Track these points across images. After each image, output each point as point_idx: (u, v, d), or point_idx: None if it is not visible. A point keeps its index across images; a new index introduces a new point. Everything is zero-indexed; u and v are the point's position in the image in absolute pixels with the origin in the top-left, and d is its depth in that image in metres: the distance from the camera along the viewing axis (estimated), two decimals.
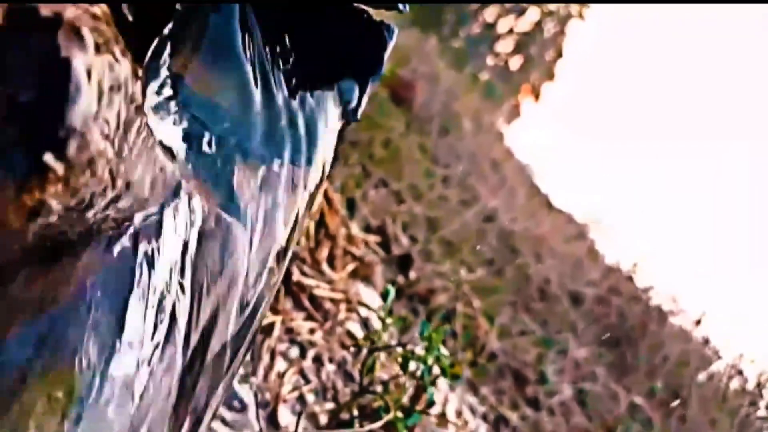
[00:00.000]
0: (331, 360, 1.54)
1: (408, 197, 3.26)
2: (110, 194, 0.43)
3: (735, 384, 3.28)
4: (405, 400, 1.31)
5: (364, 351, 1.34)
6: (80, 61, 0.35)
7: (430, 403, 1.25)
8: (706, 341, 3.56)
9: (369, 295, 2.17)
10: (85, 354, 0.57)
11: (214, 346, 0.60)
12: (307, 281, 1.69)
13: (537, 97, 15.51)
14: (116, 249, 0.52)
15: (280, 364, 1.36)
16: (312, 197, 0.74)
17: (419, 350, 1.30)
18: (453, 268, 2.83)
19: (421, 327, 1.24)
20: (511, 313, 2.97)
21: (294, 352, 1.46)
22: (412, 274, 2.61)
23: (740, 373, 3.29)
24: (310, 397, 1.37)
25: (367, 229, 2.61)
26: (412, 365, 1.33)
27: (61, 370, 0.58)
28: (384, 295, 1.40)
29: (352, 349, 1.47)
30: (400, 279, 2.55)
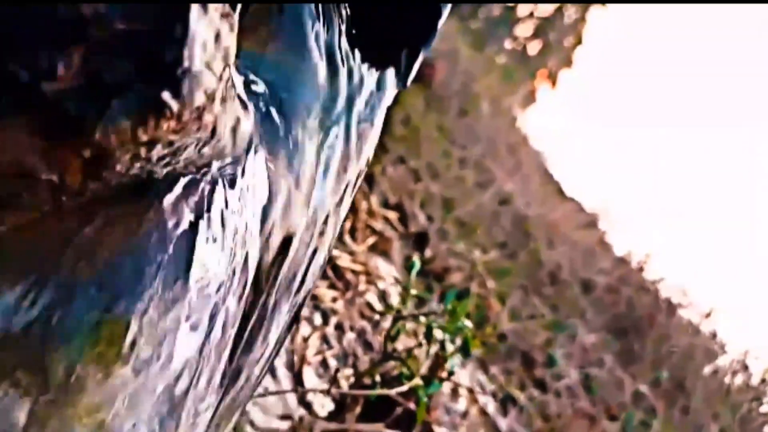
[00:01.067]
0: (351, 328, 1.57)
1: (425, 176, 3.27)
2: (204, 139, 0.44)
3: (739, 379, 3.30)
4: (423, 369, 1.33)
5: (389, 319, 1.36)
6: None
7: (450, 373, 1.28)
8: (713, 335, 3.58)
9: (387, 270, 2.19)
10: (153, 297, 0.59)
11: (274, 299, 0.62)
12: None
13: (554, 83, 15.38)
14: (193, 195, 0.54)
15: (305, 329, 1.39)
16: (367, 162, 0.75)
17: (441, 321, 1.32)
18: (467, 249, 2.85)
19: (446, 298, 1.26)
20: (522, 296, 2.99)
21: (317, 318, 1.48)
22: (428, 252, 2.63)
23: (745, 368, 3.32)
24: (333, 362, 1.40)
25: (386, 204, 2.63)
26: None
27: (127, 314, 0.60)
28: (409, 268, 1.42)
29: (376, 317, 1.49)
30: (416, 256, 2.57)
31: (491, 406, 2.16)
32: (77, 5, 0.35)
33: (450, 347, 1.20)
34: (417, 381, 1.16)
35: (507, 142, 4.71)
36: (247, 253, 0.60)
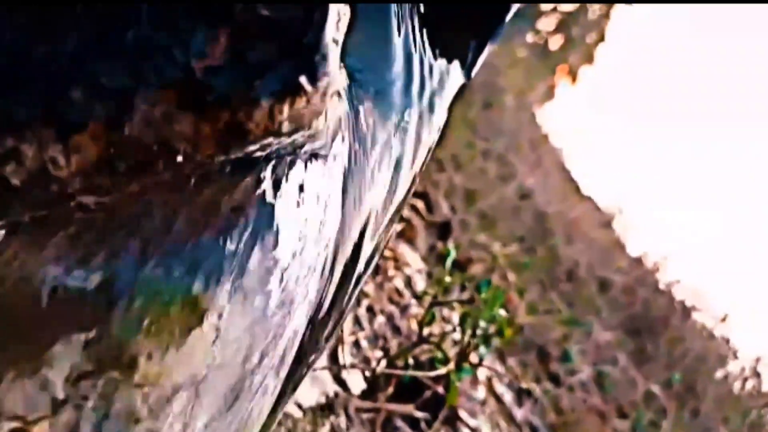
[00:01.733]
0: (381, 312, 1.60)
1: (449, 166, 3.29)
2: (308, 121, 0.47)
3: (750, 385, 3.32)
4: (452, 354, 1.37)
5: (415, 305, 1.39)
6: None
7: (481, 360, 1.31)
8: (727, 341, 3.59)
9: (412, 257, 2.22)
10: (241, 274, 0.62)
11: (348, 276, 0.65)
12: None
13: (574, 79, 15.27)
14: (285, 174, 0.57)
15: None
16: (430, 150, 0.78)
17: (472, 309, 1.35)
18: (488, 241, 2.87)
19: (480, 288, 1.29)
20: (539, 291, 3.02)
21: None
22: (450, 242, 2.65)
23: (757, 375, 3.33)
24: (364, 343, 1.43)
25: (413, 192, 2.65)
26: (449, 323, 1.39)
27: (215, 288, 0.64)
28: (445, 256, 1.45)
29: (404, 301, 1.53)
30: (440, 245, 2.60)
31: (508, 396, 2.20)
32: None
33: (487, 334, 1.23)
34: (450, 366, 1.19)
35: (529, 137, 4.71)
36: (329, 233, 0.63)
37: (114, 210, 0.56)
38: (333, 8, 0.40)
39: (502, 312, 1.23)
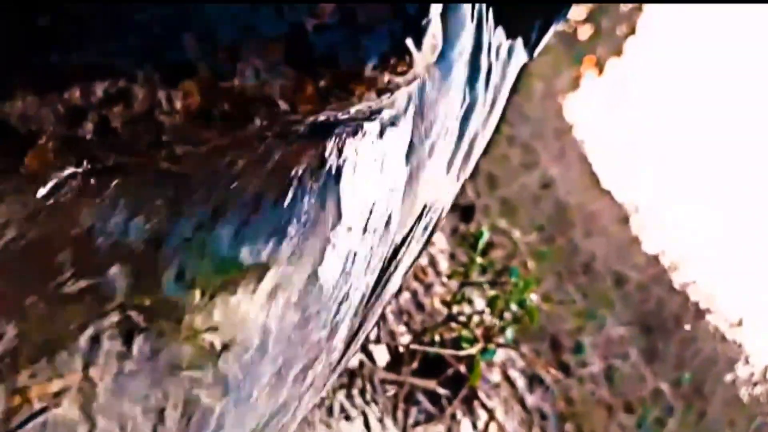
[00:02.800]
0: (407, 288, 1.61)
1: None
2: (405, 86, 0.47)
3: (759, 391, 3.32)
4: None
5: (437, 283, 1.40)
6: None
7: (507, 341, 1.32)
8: (739, 345, 3.59)
9: (436, 237, 2.23)
10: (303, 240, 0.63)
11: (411, 242, 0.66)
12: None
13: (601, 71, 15.05)
14: (357, 140, 0.57)
15: None
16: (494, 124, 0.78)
17: (495, 292, 1.36)
18: (509, 227, 2.87)
19: (512, 271, 1.30)
20: (556, 281, 3.02)
21: None
22: (472, 226, 2.65)
23: (766, 380, 3.33)
24: (390, 317, 1.44)
25: None
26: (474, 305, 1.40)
27: (274, 256, 0.64)
28: (477, 237, 1.45)
29: (428, 279, 1.53)
30: (462, 227, 2.60)
31: (521, 382, 2.21)
32: None
33: (516, 316, 1.24)
34: (479, 346, 1.20)
35: (554, 126, 4.67)
36: (393, 202, 0.63)
37: (194, 165, 0.57)
38: None
39: (534, 297, 1.23)
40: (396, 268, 0.72)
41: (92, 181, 0.55)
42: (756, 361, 3.45)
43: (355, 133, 0.58)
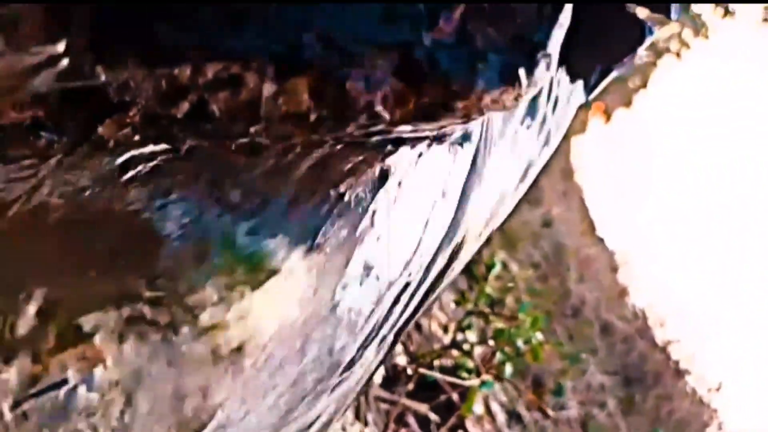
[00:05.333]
0: None
1: None
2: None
3: None
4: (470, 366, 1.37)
5: (447, 311, 1.40)
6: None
7: (504, 375, 1.32)
8: (714, 410, 3.60)
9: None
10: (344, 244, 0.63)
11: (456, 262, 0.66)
12: None
13: (608, 119, 15.22)
14: (432, 155, 0.57)
15: None
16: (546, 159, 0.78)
17: (501, 324, 1.36)
18: (507, 260, 2.87)
19: (521, 308, 1.30)
20: (544, 320, 3.01)
21: None
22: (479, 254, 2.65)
23: None
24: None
25: None
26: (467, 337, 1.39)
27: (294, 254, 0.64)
28: (489, 267, 1.45)
29: (443, 304, 1.53)
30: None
31: (501, 417, 2.20)
32: None
33: (520, 351, 1.23)
34: (484, 377, 1.20)
35: (562, 166, 4.71)
36: (441, 222, 0.63)
37: (261, 160, 0.57)
38: (566, 9, 0.40)
39: (539, 336, 1.23)
40: (428, 295, 0.72)
41: (159, 159, 0.54)
42: (729, 429, 3.46)
43: (419, 153, 0.58)
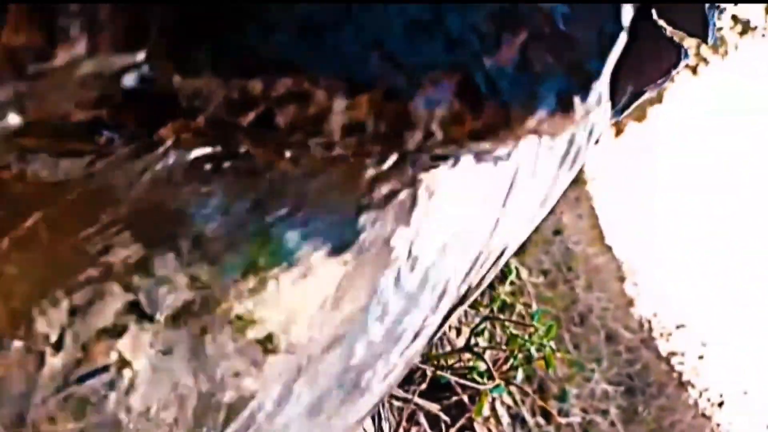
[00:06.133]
0: None
1: None
2: None
3: None
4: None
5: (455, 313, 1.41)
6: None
7: (513, 380, 1.34)
8: (717, 425, 3.61)
9: None
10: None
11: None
12: None
13: (619, 132, 15.17)
14: (473, 170, 0.58)
15: None
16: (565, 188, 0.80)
17: (515, 331, 1.38)
18: (517, 266, 2.89)
19: (534, 316, 1.31)
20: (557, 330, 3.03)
21: None
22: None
23: None
24: None
25: None
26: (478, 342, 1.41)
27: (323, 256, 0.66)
28: (504, 273, 1.47)
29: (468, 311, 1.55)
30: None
31: (505, 420, 2.22)
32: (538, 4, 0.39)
33: (533, 358, 1.25)
34: (496, 381, 1.21)
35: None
36: (474, 245, 0.65)
37: (308, 170, 0.59)
38: (623, 37, 0.42)
39: (553, 345, 1.25)
40: (455, 309, 0.74)
41: (213, 160, 0.57)
42: None
43: (459, 167, 0.60)
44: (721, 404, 3.60)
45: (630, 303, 4.24)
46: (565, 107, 0.41)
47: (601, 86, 0.42)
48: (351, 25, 0.38)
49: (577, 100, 0.41)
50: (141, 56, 0.37)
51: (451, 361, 1.32)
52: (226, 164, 0.59)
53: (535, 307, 2.80)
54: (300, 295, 0.75)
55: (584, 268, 3.75)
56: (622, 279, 4.74)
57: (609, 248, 5.33)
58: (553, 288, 3.26)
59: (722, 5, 0.85)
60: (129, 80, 0.38)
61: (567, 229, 3.88)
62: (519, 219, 0.70)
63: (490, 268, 0.73)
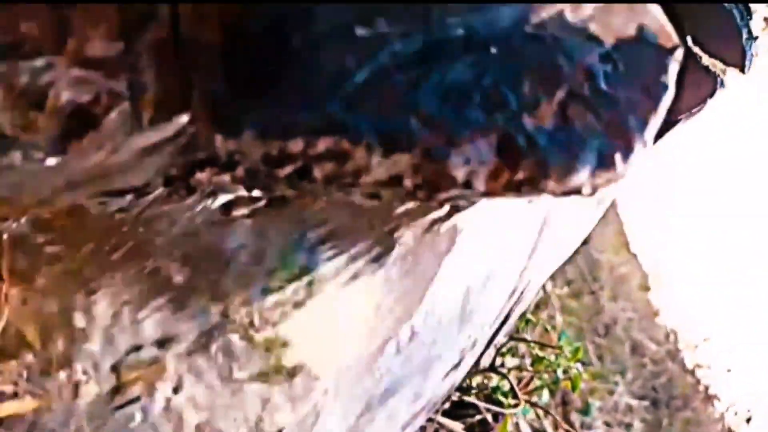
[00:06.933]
0: None
1: None
2: None
3: None
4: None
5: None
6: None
7: (538, 402, 1.33)
8: None
9: None
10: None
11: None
12: None
13: None
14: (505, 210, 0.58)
15: None
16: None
17: (541, 352, 1.37)
18: None
19: (561, 336, 1.30)
20: (575, 338, 3.00)
21: None
22: None
23: None
24: None
25: None
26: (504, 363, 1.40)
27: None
28: None
29: None
30: None
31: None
32: (576, 62, 0.39)
33: (560, 379, 1.24)
34: (519, 406, 1.21)
35: None
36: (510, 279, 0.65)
37: (343, 211, 0.59)
38: (669, 95, 0.41)
39: (579, 367, 1.24)
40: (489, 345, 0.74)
41: (248, 202, 0.57)
42: None
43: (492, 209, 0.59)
44: (748, 420, 3.52)
45: (655, 313, 4.17)
46: (606, 166, 0.40)
47: (645, 144, 0.42)
48: (391, 89, 0.38)
49: (618, 158, 0.40)
50: (184, 119, 0.38)
51: (475, 381, 1.31)
52: (261, 203, 0.60)
53: (559, 318, 2.78)
54: (330, 322, 0.75)
55: (609, 277, 3.71)
56: (647, 288, 4.67)
57: (634, 256, 5.26)
58: (577, 298, 3.23)
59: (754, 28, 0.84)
60: (171, 149, 0.39)
61: (592, 237, 3.84)
62: (549, 255, 0.70)
63: (517, 302, 0.73)
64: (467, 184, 0.43)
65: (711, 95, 0.82)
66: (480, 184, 0.43)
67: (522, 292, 0.73)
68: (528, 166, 0.41)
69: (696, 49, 0.82)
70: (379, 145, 0.39)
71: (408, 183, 0.43)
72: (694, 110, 0.83)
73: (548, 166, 0.40)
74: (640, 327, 3.63)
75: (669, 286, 5.11)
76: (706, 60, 0.81)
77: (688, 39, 0.81)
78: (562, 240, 0.71)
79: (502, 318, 0.74)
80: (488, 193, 0.45)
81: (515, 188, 0.43)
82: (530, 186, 0.43)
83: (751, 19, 0.75)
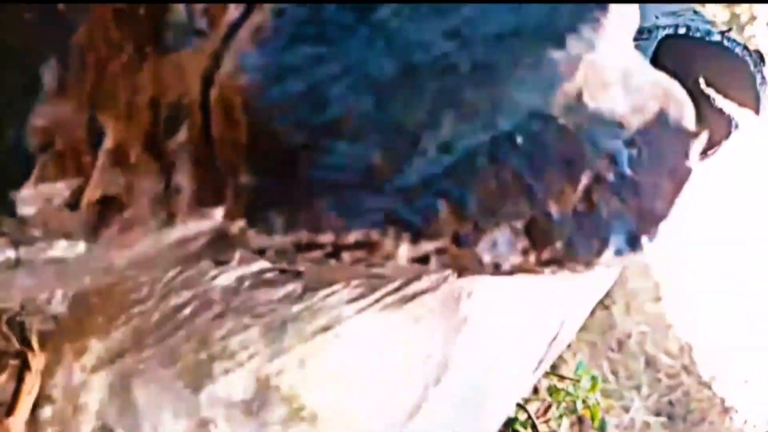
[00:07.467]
0: None
1: None
2: None
3: None
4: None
5: None
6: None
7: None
8: None
9: None
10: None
11: None
12: None
13: None
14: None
15: None
16: None
17: (557, 382, 1.36)
18: None
19: (578, 368, 1.30)
20: (589, 354, 2.99)
21: None
22: None
23: None
24: None
25: None
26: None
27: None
28: None
29: None
30: None
31: None
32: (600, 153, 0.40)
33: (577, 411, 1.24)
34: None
35: None
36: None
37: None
38: (693, 176, 0.42)
39: (598, 397, 1.23)
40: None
41: (267, 275, 0.58)
42: None
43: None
44: None
45: (669, 326, 4.14)
46: (633, 248, 0.41)
47: (667, 224, 0.42)
48: (420, 179, 0.39)
49: (645, 239, 0.41)
50: (219, 214, 0.39)
51: None
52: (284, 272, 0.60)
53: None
54: (349, 370, 0.76)
55: (621, 291, 3.68)
56: (659, 299, 4.63)
57: (646, 267, 5.23)
58: (591, 313, 3.20)
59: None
60: (201, 242, 0.40)
61: None
62: (574, 309, 0.70)
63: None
64: (495, 266, 0.43)
65: (726, 137, 0.82)
66: (507, 266, 0.43)
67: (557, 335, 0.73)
68: (555, 249, 0.41)
69: (710, 91, 0.82)
70: (407, 234, 0.40)
71: (434, 264, 0.44)
72: (709, 152, 0.83)
73: (576, 249, 0.40)
74: (653, 340, 3.61)
75: (682, 296, 5.06)
76: (720, 102, 0.82)
77: (701, 81, 0.81)
78: (585, 295, 0.72)
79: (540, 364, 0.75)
80: (515, 271, 0.45)
81: (544, 265, 0.44)
82: (557, 266, 0.43)
83: (764, 65, 0.75)
